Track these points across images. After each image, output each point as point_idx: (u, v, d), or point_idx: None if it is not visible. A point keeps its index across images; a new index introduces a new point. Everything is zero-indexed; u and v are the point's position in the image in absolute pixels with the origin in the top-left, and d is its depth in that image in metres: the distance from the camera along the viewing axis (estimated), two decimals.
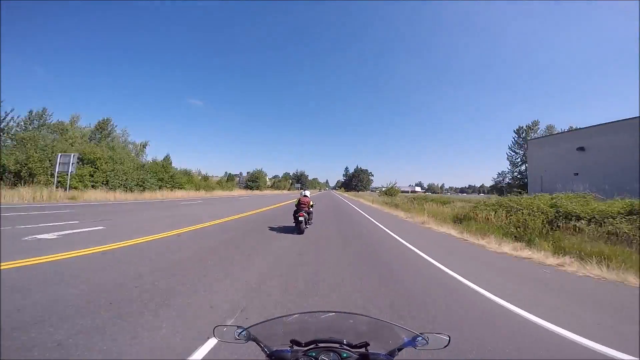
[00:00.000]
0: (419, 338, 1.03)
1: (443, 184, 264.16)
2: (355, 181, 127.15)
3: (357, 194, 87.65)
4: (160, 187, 29.20)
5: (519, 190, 16.72)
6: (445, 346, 1.02)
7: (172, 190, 31.35)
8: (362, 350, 1.01)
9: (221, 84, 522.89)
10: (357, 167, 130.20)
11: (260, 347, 1.03)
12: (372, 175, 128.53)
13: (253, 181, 68.59)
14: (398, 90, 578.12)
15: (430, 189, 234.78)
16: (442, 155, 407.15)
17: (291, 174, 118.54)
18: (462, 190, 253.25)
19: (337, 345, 1.01)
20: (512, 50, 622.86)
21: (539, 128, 55.97)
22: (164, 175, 30.87)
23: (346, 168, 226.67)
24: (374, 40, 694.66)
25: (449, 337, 1.04)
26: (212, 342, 2.74)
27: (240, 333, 1.06)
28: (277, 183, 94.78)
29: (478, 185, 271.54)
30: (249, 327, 1.07)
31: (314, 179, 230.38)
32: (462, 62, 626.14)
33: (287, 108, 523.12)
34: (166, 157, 36.57)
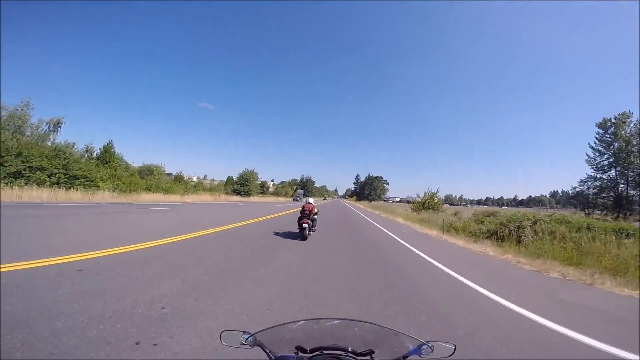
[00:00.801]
0: (425, 346, 1.02)
1: (462, 195, 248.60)
2: (367, 189, 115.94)
3: (372, 204, 75.97)
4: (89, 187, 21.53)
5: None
6: (451, 355, 1.02)
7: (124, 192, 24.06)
8: (367, 358, 1.01)
9: (232, 88, 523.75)
10: (368, 174, 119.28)
11: (266, 352, 1.04)
12: (388, 184, 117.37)
13: (242, 184, 57.03)
14: (410, 96, 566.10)
15: (448, 200, 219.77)
16: (457, 165, 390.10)
17: (298, 180, 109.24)
18: (478, 202, 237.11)
19: (342, 352, 1.02)
20: (525, 50, 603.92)
21: (631, 121, 42.75)
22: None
23: (357, 176, 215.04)
24: (390, 42, 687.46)
25: (455, 346, 1.04)
26: None
27: (247, 339, 1.06)
28: (280, 189, 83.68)
29: (496, 197, 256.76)
30: (255, 333, 1.08)
31: (322, 186, 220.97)
32: (466, 67, 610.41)
33: (297, 114, 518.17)
34: (108, 144, 25.91)
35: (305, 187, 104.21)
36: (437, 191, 36.64)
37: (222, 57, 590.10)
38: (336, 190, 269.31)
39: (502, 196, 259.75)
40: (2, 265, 4.37)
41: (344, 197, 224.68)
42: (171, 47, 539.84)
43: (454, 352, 1.03)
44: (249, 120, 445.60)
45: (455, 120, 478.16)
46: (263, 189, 69.76)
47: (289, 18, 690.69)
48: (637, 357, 3.16)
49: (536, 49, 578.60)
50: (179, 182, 36.92)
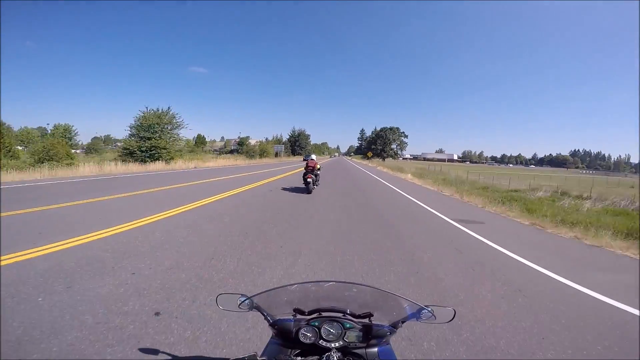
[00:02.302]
0: (424, 311, 1.02)
1: (482, 152, 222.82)
2: (380, 143, 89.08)
3: (387, 164, 52.91)
4: None
5: None
6: (450, 320, 1.02)
7: None
8: (366, 320, 1.02)
9: (225, 50, 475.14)
10: (375, 129, 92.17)
11: (264, 315, 1.04)
12: (406, 137, 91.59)
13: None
14: (422, 47, 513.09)
15: (467, 157, 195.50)
16: (475, 121, 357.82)
17: (287, 136, 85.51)
18: (496, 159, 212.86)
19: (340, 314, 1.03)
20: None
21: None
22: None
23: (361, 130, 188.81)
24: None
25: (455, 311, 1.04)
26: None
27: (243, 302, 1.05)
28: (261, 146, 59.20)
29: (514, 154, 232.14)
30: (252, 296, 1.07)
31: (322, 143, 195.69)
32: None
33: (294, 70, 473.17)
34: None
35: (297, 143, 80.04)
36: None
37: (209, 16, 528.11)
38: (338, 147, 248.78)
39: (520, 154, 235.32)
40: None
41: (346, 155, 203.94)
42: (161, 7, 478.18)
43: (453, 316, 1.03)
44: (243, 81, 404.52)
45: (468, 77, 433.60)
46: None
47: None
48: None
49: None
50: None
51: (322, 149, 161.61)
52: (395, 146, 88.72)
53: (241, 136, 70.24)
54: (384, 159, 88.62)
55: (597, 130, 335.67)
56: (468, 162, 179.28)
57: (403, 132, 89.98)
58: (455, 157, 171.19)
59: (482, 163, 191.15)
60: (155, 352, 2.24)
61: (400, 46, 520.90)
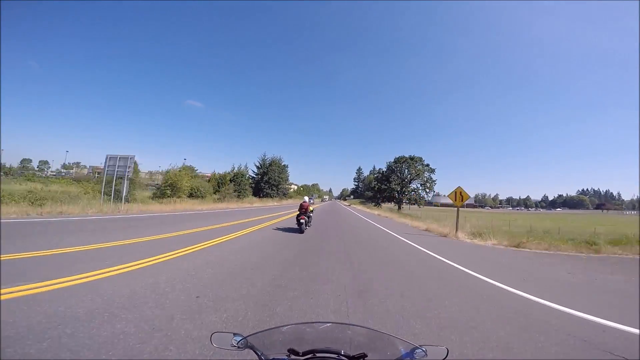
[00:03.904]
0: (418, 350, 1.03)
1: (497, 195, 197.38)
2: (396, 181, 57.37)
3: (414, 215, 29.30)
4: None
5: None
6: (443, 359, 1.02)
7: None
8: None
9: (221, 86, 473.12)
10: (388, 163, 60.96)
11: (257, 355, 1.05)
12: (433, 172, 57.07)
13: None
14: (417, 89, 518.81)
15: (482, 201, 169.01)
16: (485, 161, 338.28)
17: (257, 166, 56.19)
18: (516, 204, 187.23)
19: (334, 355, 1.03)
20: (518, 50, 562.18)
21: None
22: None
23: (358, 170, 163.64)
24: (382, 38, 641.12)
25: (447, 350, 1.04)
26: None
27: (238, 341, 1.07)
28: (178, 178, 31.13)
29: (522, 196, 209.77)
30: (247, 336, 1.09)
31: (313, 184, 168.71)
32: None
33: (286, 102, 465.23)
34: None
35: (266, 176, 51.81)
36: None
37: (209, 55, 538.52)
38: (330, 190, 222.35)
39: (528, 196, 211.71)
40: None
41: (340, 199, 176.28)
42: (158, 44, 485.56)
43: (446, 355, 1.03)
44: (237, 115, 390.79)
45: (455, 119, 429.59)
46: None
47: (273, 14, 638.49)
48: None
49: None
50: None
51: (311, 191, 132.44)
52: (418, 185, 57.62)
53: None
54: (399, 205, 60.47)
55: (600, 167, 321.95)
56: (488, 208, 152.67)
57: (428, 165, 57.10)
58: (470, 202, 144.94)
59: (499, 207, 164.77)
60: None
61: (395, 84, 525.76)
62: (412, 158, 57.61)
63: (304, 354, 1.03)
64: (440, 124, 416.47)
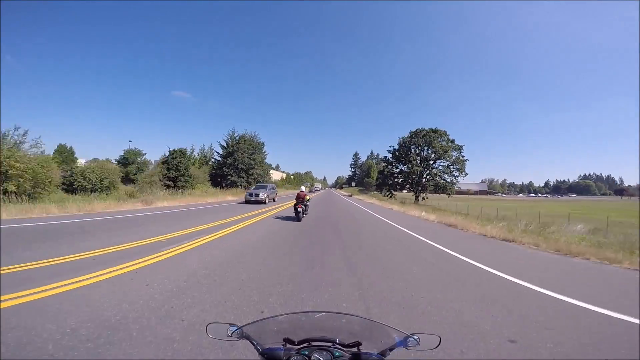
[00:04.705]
0: (410, 339, 1.06)
1: (505, 180, 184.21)
2: (417, 162, 41.17)
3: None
4: None
5: None
6: (436, 347, 1.05)
7: None
8: (355, 349, 1.04)
9: (209, 76, 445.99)
10: (400, 138, 45.95)
11: (253, 345, 1.06)
12: (461, 150, 41.42)
13: None
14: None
15: (492, 188, 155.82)
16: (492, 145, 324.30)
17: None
18: (519, 191, 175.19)
19: (329, 344, 1.04)
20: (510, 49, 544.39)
21: None
22: None
23: (355, 155, 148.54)
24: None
25: (440, 338, 1.07)
26: None
27: (233, 331, 1.08)
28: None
29: (525, 182, 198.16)
30: (242, 326, 1.11)
31: (306, 172, 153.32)
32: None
33: (279, 88, 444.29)
34: None
35: (231, 159, 36.58)
36: None
37: (196, 45, 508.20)
38: (325, 179, 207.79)
39: (531, 181, 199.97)
40: None
41: (335, 187, 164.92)
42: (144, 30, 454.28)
43: (439, 344, 1.06)
44: (227, 106, 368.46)
45: (454, 104, 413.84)
46: None
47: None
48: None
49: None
50: None
51: (304, 179, 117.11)
52: (446, 164, 41.21)
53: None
54: (417, 195, 43.98)
55: (598, 152, 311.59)
56: (501, 195, 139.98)
57: (453, 141, 41.89)
58: (482, 188, 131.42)
59: (506, 194, 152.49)
60: None
61: (391, 67, 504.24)
62: (434, 131, 42.54)
63: (300, 342, 1.06)
64: (438, 106, 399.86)
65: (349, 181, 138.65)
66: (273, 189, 25.79)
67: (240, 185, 34.38)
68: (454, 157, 40.69)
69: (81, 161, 35.07)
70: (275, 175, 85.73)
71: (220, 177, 35.27)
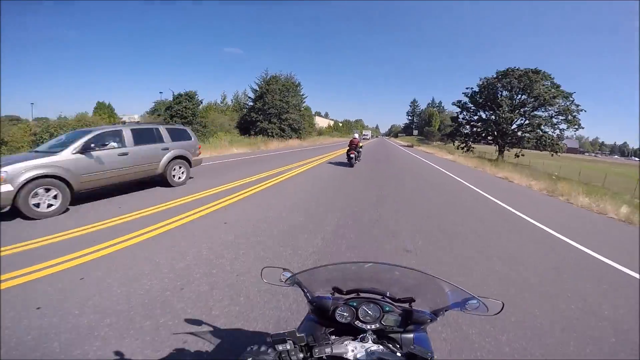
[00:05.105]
0: (471, 301, 0.97)
1: (597, 138, 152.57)
2: (505, 103, 30.57)
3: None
4: None
5: None
6: (498, 312, 0.96)
7: None
8: (406, 305, 1.01)
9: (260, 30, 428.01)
10: (481, 80, 34.41)
11: (304, 292, 1.07)
12: (571, 98, 29.02)
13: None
14: None
15: (583, 147, 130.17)
16: None
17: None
18: (610, 151, 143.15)
19: (379, 296, 1.02)
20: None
21: None
22: None
23: (413, 102, 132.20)
24: None
25: (503, 304, 0.97)
26: None
27: (287, 277, 1.09)
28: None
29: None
30: (295, 273, 1.10)
31: (356, 120, 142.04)
32: None
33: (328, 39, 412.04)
34: None
35: (263, 106, 30.32)
36: None
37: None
38: (377, 127, 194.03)
39: (625, 142, 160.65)
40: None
41: (387, 135, 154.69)
42: None
43: (501, 309, 0.96)
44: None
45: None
46: None
47: None
48: None
49: None
50: None
51: (354, 127, 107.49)
52: (548, 114, 30.56)
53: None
54: (501, 149, 33.70)
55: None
56: (595, 154, 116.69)
57: (559, 87, 30.05)
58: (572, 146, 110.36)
59: (598, 154, 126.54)
60: (198, 322, 2.32)
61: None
62: (536, 71, 30.90)
63: (348, 292, 1.05)
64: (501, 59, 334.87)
65: (405, 130, 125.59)
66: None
67: (271, 133, 28.62)
68: (562, 106, 29.36)
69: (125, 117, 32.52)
70: (322, 122, 78.54)
71: (250, 124, 29.74)
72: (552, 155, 30.82)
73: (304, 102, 37.01)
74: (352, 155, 12.57)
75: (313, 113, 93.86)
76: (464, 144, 36.37)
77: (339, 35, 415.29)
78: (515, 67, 31.78)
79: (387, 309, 0.96)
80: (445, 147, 43.72)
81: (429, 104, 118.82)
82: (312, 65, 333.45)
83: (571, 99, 30.27)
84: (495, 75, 33.48)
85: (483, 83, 34.54)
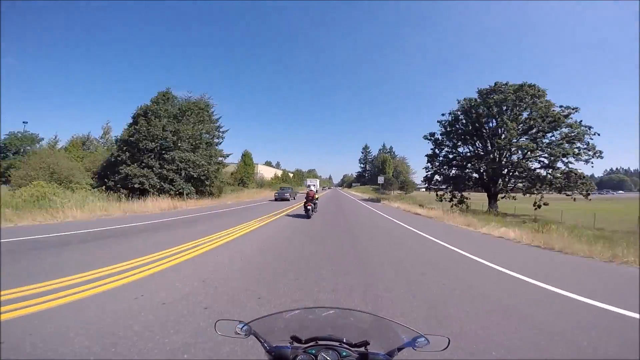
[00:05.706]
0: (419, 339, 1.03)
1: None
2: (507, 127, 20.89)
3: None
4: None
5: None
6: (445, 348, 1.02)
7: None
8: (362, 349, 1.03)
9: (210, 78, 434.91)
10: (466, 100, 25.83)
11: (261, 342, 1.05)
12: (572, 115, 21.32)
13: None
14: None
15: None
16: None
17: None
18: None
19: (336, 343, 1.03)
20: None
21: None
22: None
23: (365, 148, 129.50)
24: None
25: (449, 340, 1.04)
26: None
27: (241, 328, 1.07)
28: None
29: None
30: (250, 322, 1.09)
31: (309, 170, 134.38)
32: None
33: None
34: None
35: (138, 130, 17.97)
36: None
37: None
38: (330, 177, 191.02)
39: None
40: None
41: (341, 186, 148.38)
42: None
43: (447, 345, 1.03)
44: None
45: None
46: None
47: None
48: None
49: None
50: None
51: (307, 177, 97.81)
52: (555, 141, 21.86)
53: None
54: (494, 197, 24.27)
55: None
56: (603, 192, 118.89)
57: (567, 108, 22.09)
58: None
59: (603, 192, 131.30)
60: None
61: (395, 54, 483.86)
62: (530, 86, 23.36)
63: (307, 341, 1.04)
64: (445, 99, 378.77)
65: (359, 178, 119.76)
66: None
67: (142, 184, 16.14)
68: (578, 127, 21.53)
69: None
70: (267, 172, 67.08)
71: (111, 169, 17.00)
72: (575, 199, 21.90)
73: (223, 136, 25.48)
74: (309, 207, 13.43)
75: (263, 162, 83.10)
76: (450, 194, 26.71)
77: (286, 91, 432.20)
78: (503, 82, 24.32)
79: (345, 354, 0.98)
80: (411, 197, 34.97)
81: (380, 150, 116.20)
82: (253, 111, 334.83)
83: (574, 117, 23.07)
84: (477, 96, 25.40)
85: (464, 106, 25.85)
